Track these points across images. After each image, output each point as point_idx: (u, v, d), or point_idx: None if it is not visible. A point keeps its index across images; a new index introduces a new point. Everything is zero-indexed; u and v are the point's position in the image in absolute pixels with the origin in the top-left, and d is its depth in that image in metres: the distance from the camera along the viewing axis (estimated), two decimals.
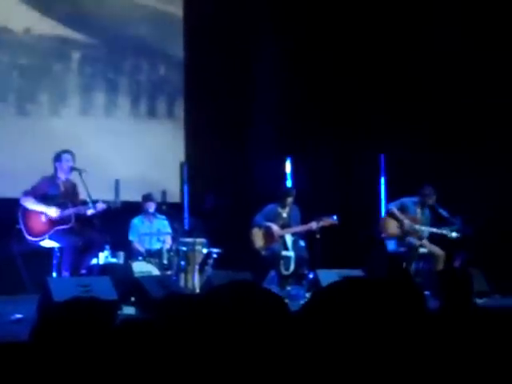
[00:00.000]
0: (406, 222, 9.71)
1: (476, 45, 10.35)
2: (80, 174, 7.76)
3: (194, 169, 10.11)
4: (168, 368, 2.04)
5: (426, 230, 9.73)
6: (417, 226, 9.71)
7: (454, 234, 9.58)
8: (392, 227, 9.83)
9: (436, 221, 9.83)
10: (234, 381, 1.65)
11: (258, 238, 9.58)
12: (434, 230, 9.70)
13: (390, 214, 9.88)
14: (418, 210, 9.83)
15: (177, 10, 11.32)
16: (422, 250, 9.66)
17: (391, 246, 9.85)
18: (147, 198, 9.54)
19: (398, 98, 10.98)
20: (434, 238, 9.76)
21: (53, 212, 7.70)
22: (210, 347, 1.68)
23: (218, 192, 10.77)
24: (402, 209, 9.83)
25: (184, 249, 9.02)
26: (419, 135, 10.54)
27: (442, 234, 9.64)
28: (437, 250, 9.63)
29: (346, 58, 11.24)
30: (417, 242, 9.63)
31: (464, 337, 1.70)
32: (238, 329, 1.67)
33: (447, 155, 10.44)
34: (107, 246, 8.57)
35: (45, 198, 7.78)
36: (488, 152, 10.32)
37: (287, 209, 9.66)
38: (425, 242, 9.68)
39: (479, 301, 7.43)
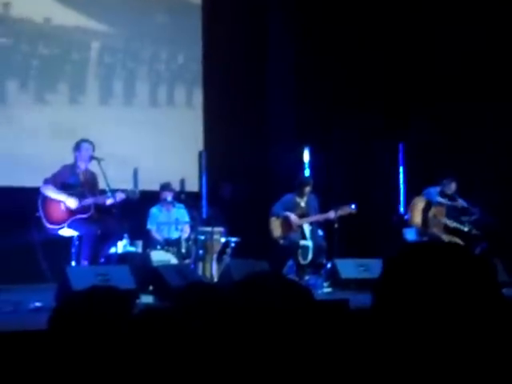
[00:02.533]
0: (432, 213, 9.68)
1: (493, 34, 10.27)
2: (99, 162, 7.78)
3: (213, 158, 10.11)
4: (190, 357, 2.04)
5: (451, 223, 9.69)
6: (442, 219, 9.68)
7: (474, 232, 9.55)
8: (417, 215, 9.78)
9: (455, 210, 9.78)
10: (260, 371, 1.64)
11: (276, 228, 9.58)
12: (457, 225, 9.65)
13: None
14: (442, 200, 9.79)
15: None
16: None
17: (411, 235, 9.81)
18: (165, 187, 9.55)
19: (417, 87, 10.91)
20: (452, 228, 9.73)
21: (72, 203, 7.73)
22: (234, 337, 1.67)
23: (236, 181, 10.76)
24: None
25: (202, 238, 9.03)
26: (438, 123, 10.48)
27: (463, 230, 9.62)
28: (456, 240, 9.59)
29: (365, 46, 11.17)
30: (441, 234, 9.59)
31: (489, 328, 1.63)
32: (261, 318, 1.66)
33: (466, 144, 10.37)
34: (126, 235, 8.58)
35: (64, 187, 7.81)
36: (509, 141, 10.24)
37: (305, 198, 9.64)
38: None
39: None
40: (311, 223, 9.53)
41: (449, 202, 9.78)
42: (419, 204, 9.88)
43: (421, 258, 1.54)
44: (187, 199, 9.67)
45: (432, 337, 1.47)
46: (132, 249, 8.79)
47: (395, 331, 1.51)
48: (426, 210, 9.80)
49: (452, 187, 9.74)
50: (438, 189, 9.81)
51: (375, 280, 1.59)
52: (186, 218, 9.47)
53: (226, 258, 9.16)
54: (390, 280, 1.55)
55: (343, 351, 1.68)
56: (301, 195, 9.64)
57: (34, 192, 7.94)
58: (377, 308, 1.55)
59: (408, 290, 1.51)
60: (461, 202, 9.71)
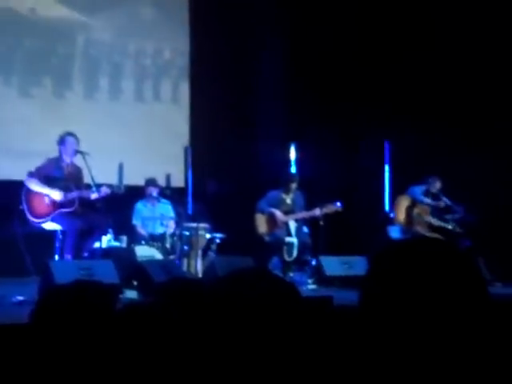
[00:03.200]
0: (416, 211, 9.73)
1: (484, 30, 10.29)
2: (83, 157, 7.74)
3: (198, 153, 10.07)
4: (173, 353, 2.03)
5: (435, 222, 9.74)
6: (426, 217, 9.72)
7: (458, 230, 9.61)
8: (402, 213, 9.83)
9: (439, 209, 9.82)
10: (243, 366, 1.63)
11: (261, 224, 9.57)
12: (441, 223, 9.71)
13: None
14: (426, 200, 9.83)
15: None
16: None
17: (395, 233, 9.84)
18: (150, 182, 9.51)
19: (403, 84, 10.92)
20: (436, 226, 9.78)
21: (57, 195, 7.69)
22: (217, 332, 1.65)
23: (222, 177, 10.73)
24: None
25: (187, 233, 9.01)
26: (424, 122, 10.49)
27: (447, 228, 9.66)
28: (439, 238, 9.62)
29: (351, 43, 11.17)
30: (425, 232, 9.62)
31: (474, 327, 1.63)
32: (245, 313, 1.65)
33: (452, 142, 10.39)
34: (110, 230, 8.55)
35: (49, 180, 7.76)
36: (493, 141, 10.27)
37: (291, 195, 9.64)
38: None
39: None
40: (296, 220, 9.53)
41: (433, 201, 9.82)
42: (404, 202, 9.93)
43: (408, 254, 1.53)
44: (173, 195, 9.63)
45: (420, 333, 1.47)
46: (116, 244, 8.77)
47: (383, 328, 1.49)
48: (410, 208, 9.84)
49: (437, 186, 9.79)
50: (422, 187, 9.86)
51: (360, 277, 1.59)
52: (171, 214, 9.44)
53: (211, 254, 9.14)
54: (377, 277, 1.54)
55: (327, 348, 1.67)
56: (286, 192, 9.63)
57: (18, 185, 7.89)
58: (365, 305, 1.54)
59: (396, 286, 1.50)
60: (445, 201, 9.75)
